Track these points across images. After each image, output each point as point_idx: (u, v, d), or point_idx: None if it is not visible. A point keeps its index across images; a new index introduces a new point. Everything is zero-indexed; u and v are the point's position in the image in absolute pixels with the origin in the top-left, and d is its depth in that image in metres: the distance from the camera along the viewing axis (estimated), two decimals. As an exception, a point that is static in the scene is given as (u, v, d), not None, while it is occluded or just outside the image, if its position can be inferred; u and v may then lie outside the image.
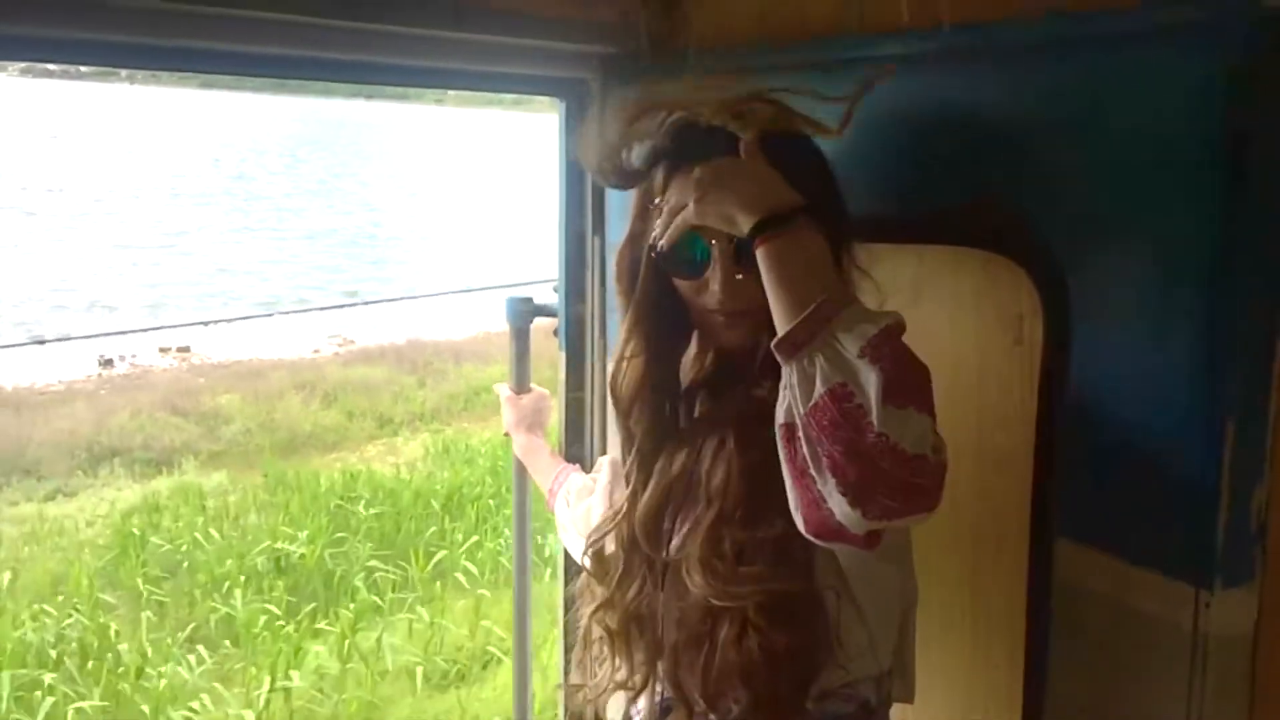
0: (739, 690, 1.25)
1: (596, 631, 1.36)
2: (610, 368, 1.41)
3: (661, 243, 1.27)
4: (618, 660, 1.34)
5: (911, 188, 1.51)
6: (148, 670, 5.43)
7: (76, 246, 17.53)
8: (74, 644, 5.68)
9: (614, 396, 1.38)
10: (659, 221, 1.28)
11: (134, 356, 12.15)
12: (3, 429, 9.65)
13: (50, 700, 5.07)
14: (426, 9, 1.68)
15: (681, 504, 1.33)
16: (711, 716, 1.28)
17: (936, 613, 1.47)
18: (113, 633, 5.77)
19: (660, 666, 1.33)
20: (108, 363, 11.90)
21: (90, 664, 5.43)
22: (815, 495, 1.07)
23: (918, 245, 1.49)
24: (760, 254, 1.13)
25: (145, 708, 5.12)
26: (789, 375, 1.09)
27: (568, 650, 1.99)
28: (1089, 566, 1.32)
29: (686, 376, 1.40)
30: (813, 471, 1.06)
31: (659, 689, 1.35)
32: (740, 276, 1.24)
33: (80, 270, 16.18)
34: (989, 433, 1.46)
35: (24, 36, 1.47)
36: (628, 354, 1.36)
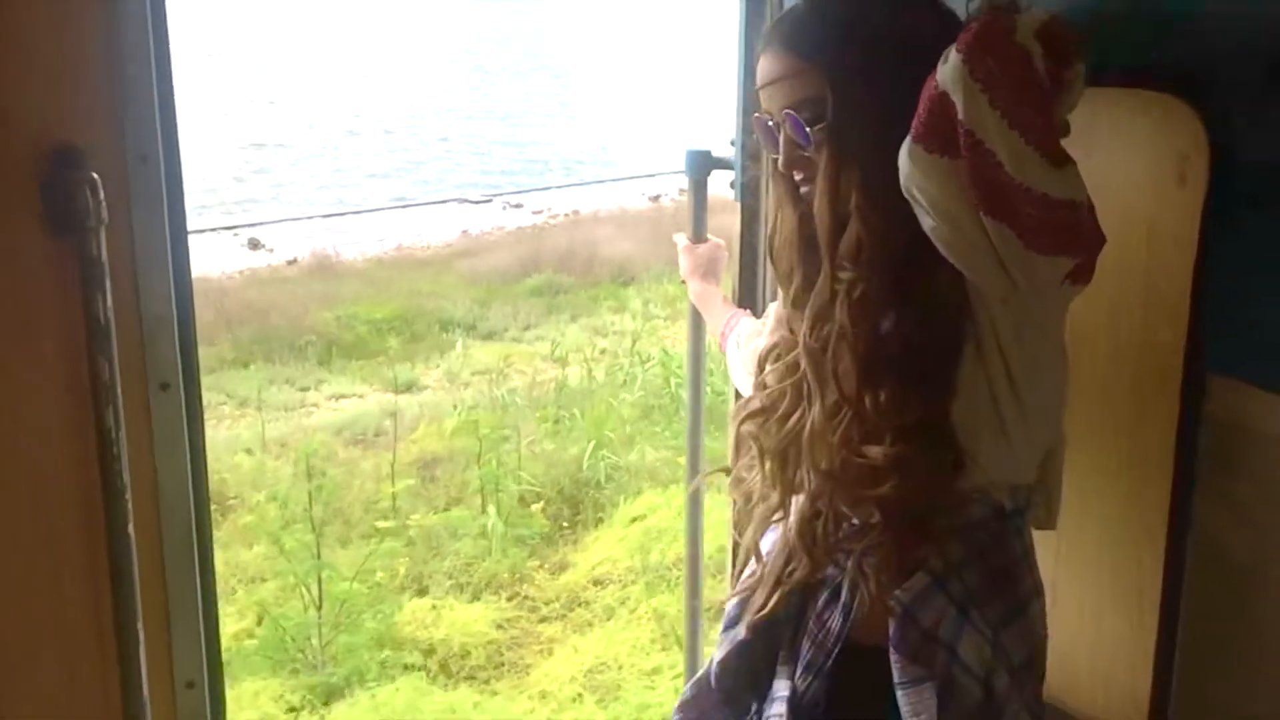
0: (872, 504, 1.35)
1: (751, 445, 1.47)
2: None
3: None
4: (768, 482, 1.45)
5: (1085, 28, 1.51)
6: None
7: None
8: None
9: (769, 249, 1.47)
10: None
11: (550, 209, 14.31)
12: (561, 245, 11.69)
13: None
14: None
15: None
16: (854, 521, 1.39)
17: (1093, 447, 1.52)
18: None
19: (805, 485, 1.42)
20: (537, 212, 14.23)
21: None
22: (930, 86, 1.16)
23: (1091, 87, 1.50)
24: None
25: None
26: None
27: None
28: (1239, 400, 1.35)
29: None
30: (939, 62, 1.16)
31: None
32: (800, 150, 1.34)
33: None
34: (1154, 277, 1.48)
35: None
36: (773, 211, 1.46)
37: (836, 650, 1.43)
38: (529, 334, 9.01)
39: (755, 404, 1.47)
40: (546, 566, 5.17)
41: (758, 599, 1.49)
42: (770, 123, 1.39)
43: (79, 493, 1.32)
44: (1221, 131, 1.34)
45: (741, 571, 1.58)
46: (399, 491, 5.52)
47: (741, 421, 1.48)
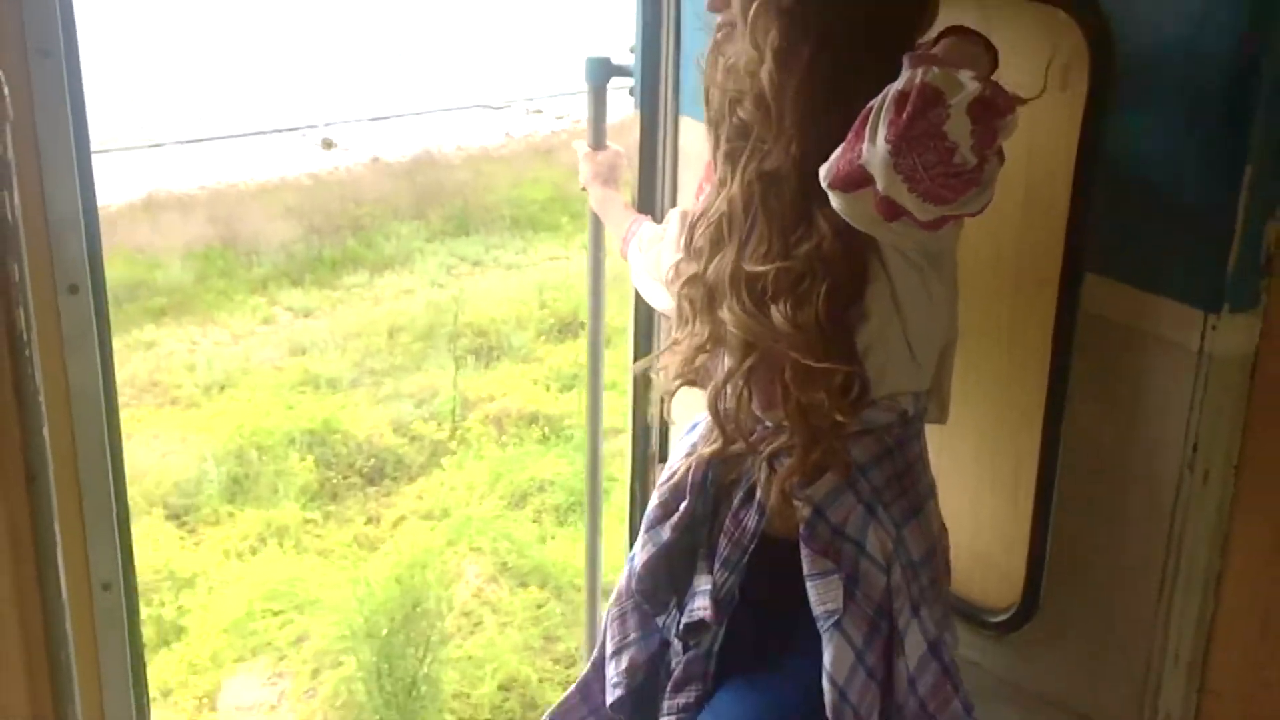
0: (780, 410, 1.42)
1: (685, 307, 1.52)
2: None
3: None
4: (698, 324, 1.49)
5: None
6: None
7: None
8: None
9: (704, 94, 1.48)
10: None
11: (569, 115, 13.45)
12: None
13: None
14: None
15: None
16: (767, 424, 1.47)
17: (975, 345, 1.61)
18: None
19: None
20: (559, 117, 13.37)
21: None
22: (854, 153, 1.23)
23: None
24: None
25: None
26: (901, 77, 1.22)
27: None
28: (1112, 297, 1.45)
29: None
30: (867, 133, 1.22)
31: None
32: None
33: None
34: (1036, 184, 1.57)
35: None
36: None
37: (752, 546, 1.50)
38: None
39: (690, 268, 1.51)
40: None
41: (678, 478, 1.55)
42: None
43: (-10, 396, 1.31)
44: (1101, 45, 1.42)
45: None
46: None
47: (681, 288, 1.52)
